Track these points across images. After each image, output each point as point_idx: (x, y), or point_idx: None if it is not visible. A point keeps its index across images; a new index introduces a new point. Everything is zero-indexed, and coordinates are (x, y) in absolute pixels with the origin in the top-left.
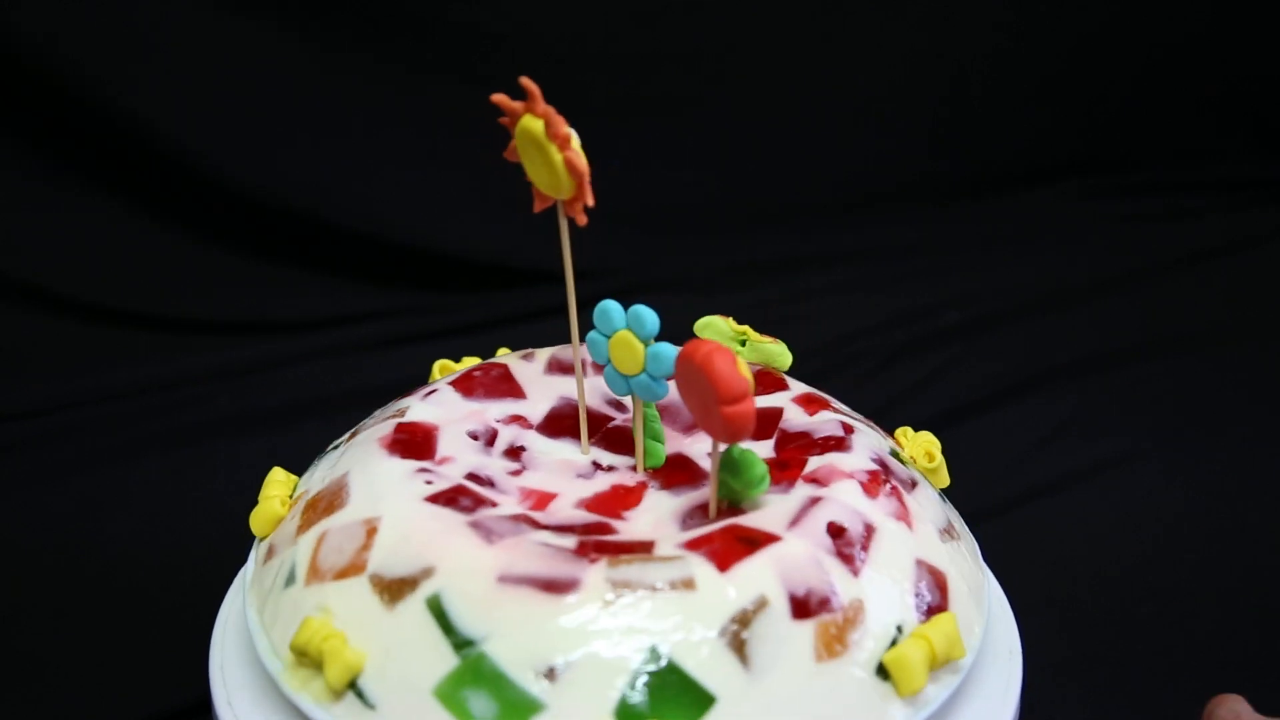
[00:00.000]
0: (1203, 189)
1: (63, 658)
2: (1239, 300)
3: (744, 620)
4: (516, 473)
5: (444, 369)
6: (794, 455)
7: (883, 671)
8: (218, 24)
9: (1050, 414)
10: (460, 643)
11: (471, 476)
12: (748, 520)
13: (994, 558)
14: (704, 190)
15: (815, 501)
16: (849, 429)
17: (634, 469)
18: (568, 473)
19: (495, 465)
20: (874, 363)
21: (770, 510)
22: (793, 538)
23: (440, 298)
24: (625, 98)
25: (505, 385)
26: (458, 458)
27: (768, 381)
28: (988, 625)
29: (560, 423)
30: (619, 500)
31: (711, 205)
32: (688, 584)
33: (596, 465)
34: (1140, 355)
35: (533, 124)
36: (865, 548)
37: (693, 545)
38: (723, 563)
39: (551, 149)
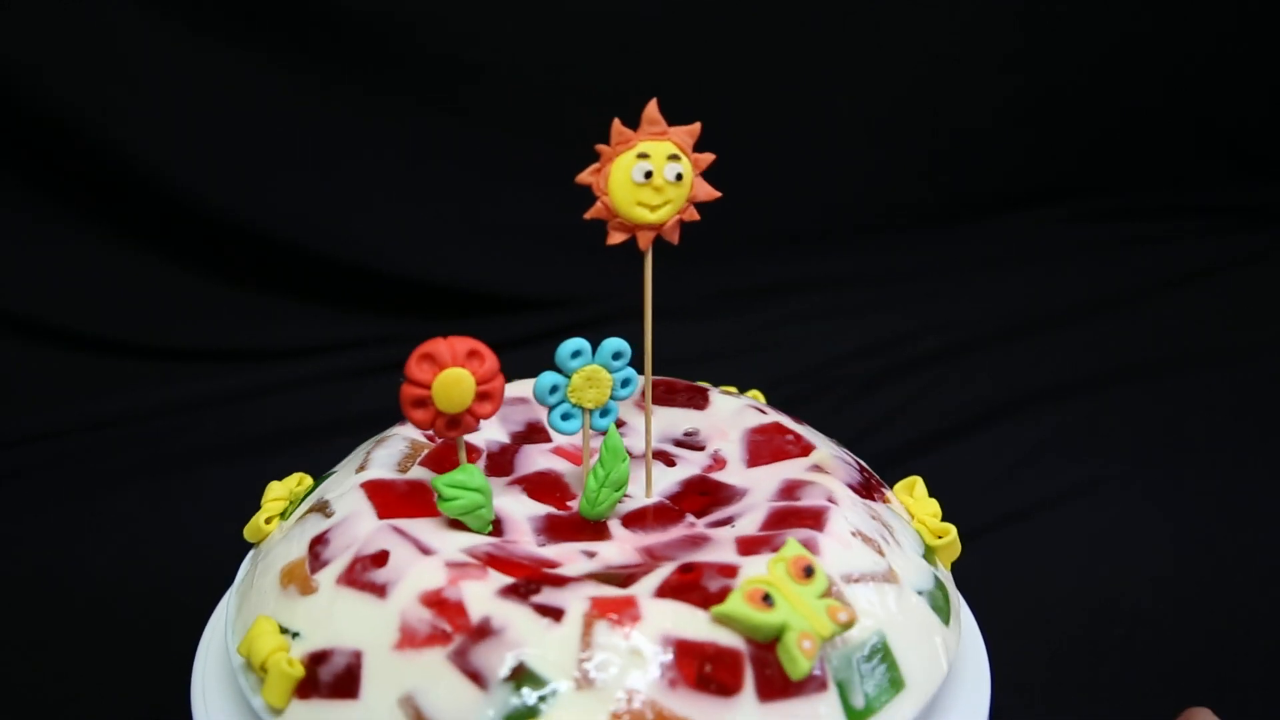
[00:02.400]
0: (1182, 214)
1: (44, 688)
2: (1218, 324)
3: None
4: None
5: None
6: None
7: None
8: (202, 54)
9: (1027, 439)
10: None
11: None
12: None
13: (967, 583)
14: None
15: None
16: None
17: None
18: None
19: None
20: (851, 389)
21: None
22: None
23: (425, 325)
24: (604, 126)
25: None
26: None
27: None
28: (957, 650)
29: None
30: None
31: (686, 231)
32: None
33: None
34: (1117, 379)
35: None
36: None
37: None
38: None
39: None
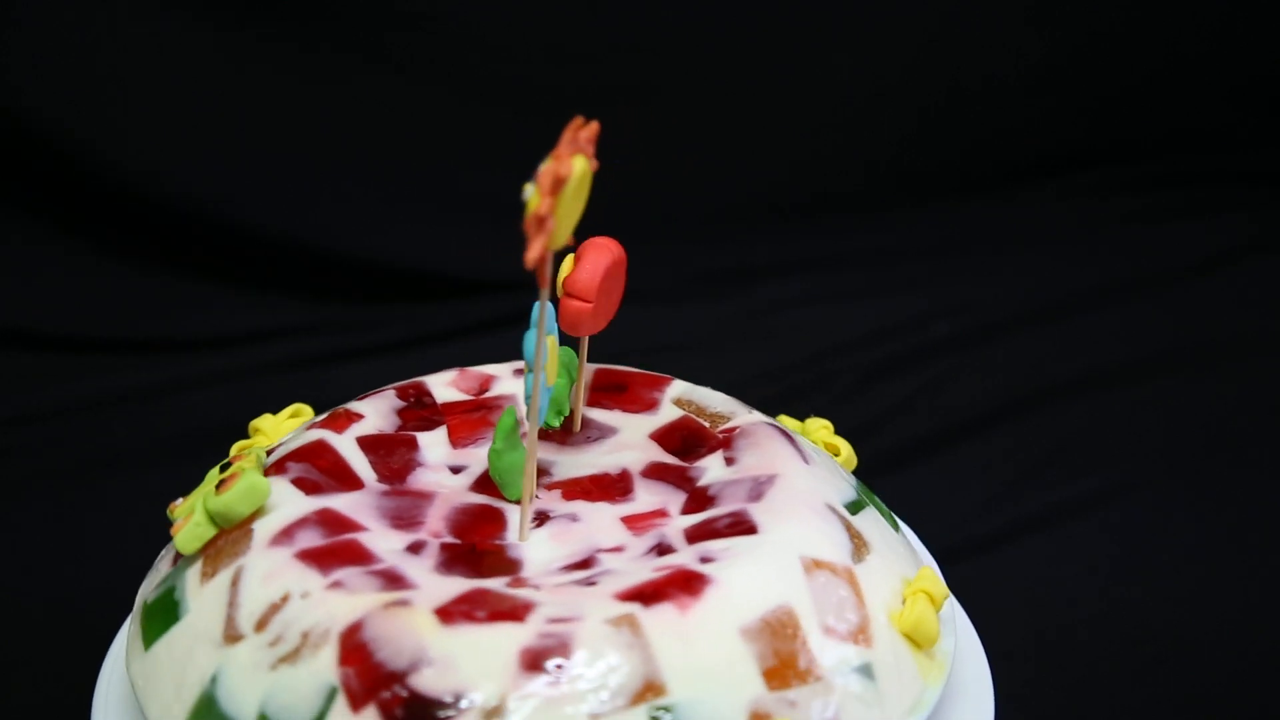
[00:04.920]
0: (1223, 181)
1: None
2: (1266, 307)
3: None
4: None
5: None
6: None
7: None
8: (122, 22)
9: (1048, 436)
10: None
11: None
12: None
13: (971, 598)
14: (663, 191)
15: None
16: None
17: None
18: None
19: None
20: (852, 381)
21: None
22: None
23: (365, 311)
24: (572, 90)
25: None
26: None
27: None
28: (955, 668)
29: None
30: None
31: (672, 207)
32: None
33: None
34: (1151, 370)
35: (581, 164)
36: None
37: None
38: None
39: (588, 169)
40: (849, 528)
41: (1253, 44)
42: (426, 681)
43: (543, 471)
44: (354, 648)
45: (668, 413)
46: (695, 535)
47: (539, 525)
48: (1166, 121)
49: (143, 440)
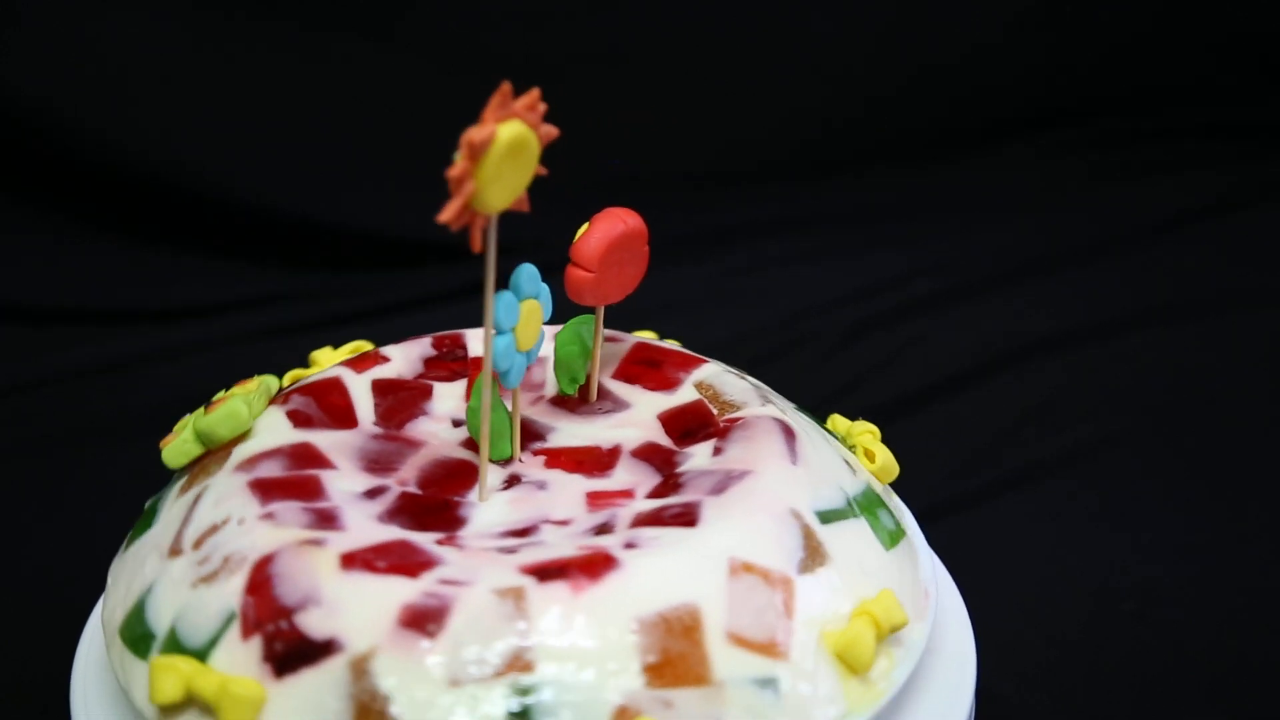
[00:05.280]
0: (1208, 136)
1: None
2: (1249, 262)
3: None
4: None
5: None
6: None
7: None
8: None
9: (1029, 395)
10: None
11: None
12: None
13: (958, 557)
14: (639, 150)
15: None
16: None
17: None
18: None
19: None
20: (833, 341)
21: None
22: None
23: (339, 279)
24: (548, 49)
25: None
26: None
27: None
28: (935, 628)
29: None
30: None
31: (647, 167)
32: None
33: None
34: (1133, 327)
35: (516, 130)
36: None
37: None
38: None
39: (534, 139)
40: (808, 537)
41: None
42: (309, 622)
43: (538, 435)
44: (261, 579)
45: (684, 395)
46: (640, 520)
47: (507, 488)
48: (1141, 78)
49: (117, 411)
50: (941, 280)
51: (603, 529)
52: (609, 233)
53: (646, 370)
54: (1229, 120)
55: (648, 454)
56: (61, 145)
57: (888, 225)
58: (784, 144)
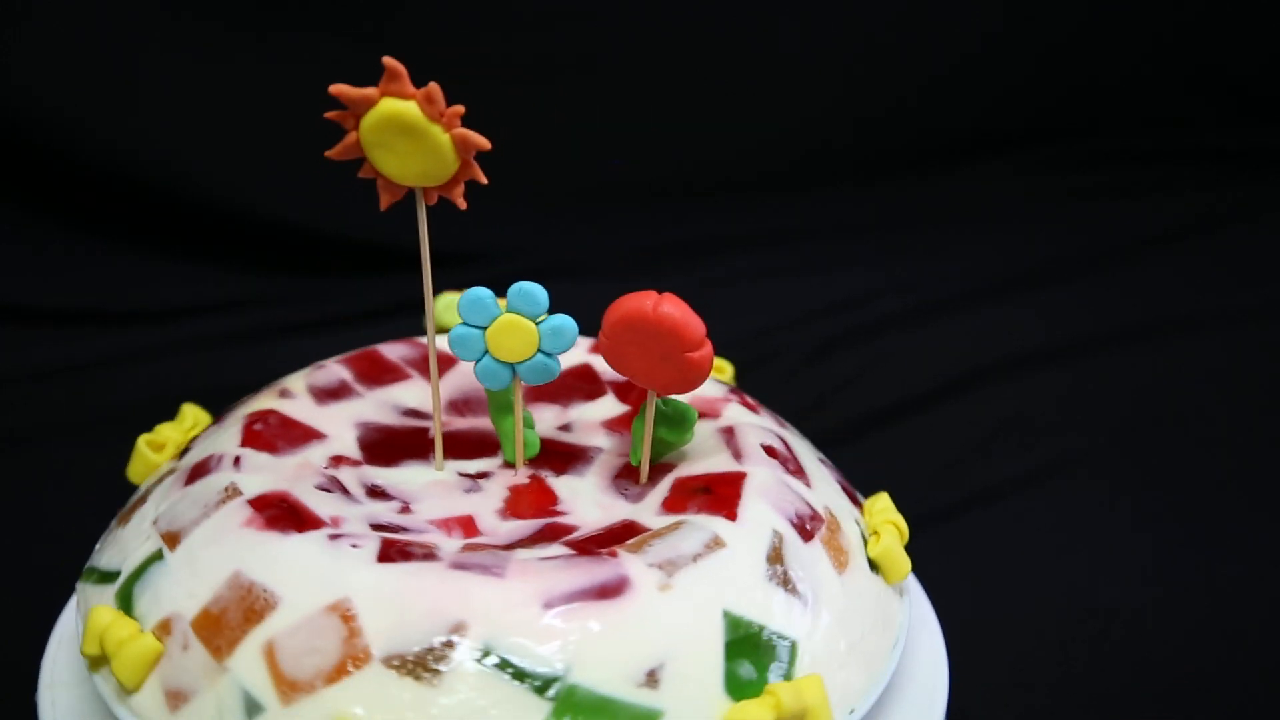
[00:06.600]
0: (1178, 159)
1: None
2: (1218, 283)
3: (777, 558)
4: (405, 510)
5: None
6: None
7: (871, 566)
8: None
9: (999, 412)
10: (542, 684)
11: (379, 528)
12: (689, 469)
13: (925, 572)
14: (609, 165)
15: (730, 431)
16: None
17: (507, 467)
18: (454, 492)
19: (380, 511)
20: (800, 357)
21: (701, 454)
22: (752, 467)
23: (312, 283)
24: (519, 58)
25: (295, 431)
26: (344, 517)
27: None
28: (907, 642)
29: (384, 449)
30: (538, 498)
31: (618, 180)
32: (718, 543)
33: (466, 476)
34: (1103, 346)
35: (399, 107)
36: (794, 456)
37: (675, 507)
38: (729, 512)
39: (434, 130)
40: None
41: (1205, 29)
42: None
43: (561, 469)
44: (252, 436)
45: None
46: (526, 543)
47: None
48: (1117, 101)
49: (82, 411)
50: (912, 297)
51: (513, 544)
52: (621, 307)
53: (703, 496)
54: (1199, 146)
55: (618, 532)
56: (25, 144)
57: (860, 241)
58: (758, 159)
